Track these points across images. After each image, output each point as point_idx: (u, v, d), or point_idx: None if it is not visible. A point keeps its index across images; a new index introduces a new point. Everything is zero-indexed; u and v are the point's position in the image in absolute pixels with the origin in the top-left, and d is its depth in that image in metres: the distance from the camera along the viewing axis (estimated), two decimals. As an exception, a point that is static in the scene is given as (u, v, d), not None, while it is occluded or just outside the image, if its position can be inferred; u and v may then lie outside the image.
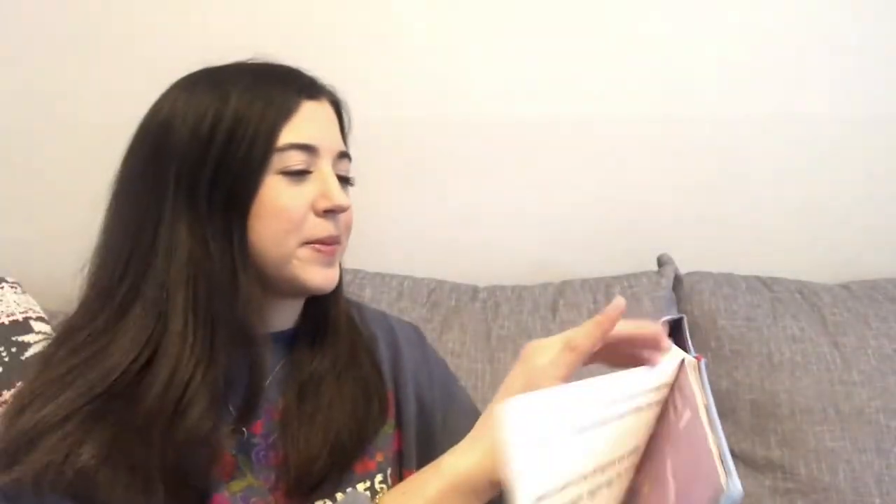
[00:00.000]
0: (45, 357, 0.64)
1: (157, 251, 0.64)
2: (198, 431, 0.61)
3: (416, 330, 0.87)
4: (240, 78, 0.67)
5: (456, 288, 1.27)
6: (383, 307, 1.17)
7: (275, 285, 0.67)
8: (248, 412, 0.67)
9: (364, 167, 1.44)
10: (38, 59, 1.33)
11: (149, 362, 0.62)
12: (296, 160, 0.66)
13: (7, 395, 0.94)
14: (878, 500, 1.05)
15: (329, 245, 0.68)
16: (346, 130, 0.75)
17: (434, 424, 0.80)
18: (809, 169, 1.37)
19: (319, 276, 0.68)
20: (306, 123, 0.67)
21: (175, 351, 0.62)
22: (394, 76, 1.34)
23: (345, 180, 0.71)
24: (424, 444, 0.78)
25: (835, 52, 1.33)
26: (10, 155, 1.35)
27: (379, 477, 0.74)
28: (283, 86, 0.68)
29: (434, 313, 1.22)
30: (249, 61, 0.71)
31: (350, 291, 1.22)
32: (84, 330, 0.64)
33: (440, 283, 1.28)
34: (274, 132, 0.65)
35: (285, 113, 0.66)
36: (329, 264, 0.69)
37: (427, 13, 1.33)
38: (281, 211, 0.65)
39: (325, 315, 0.74)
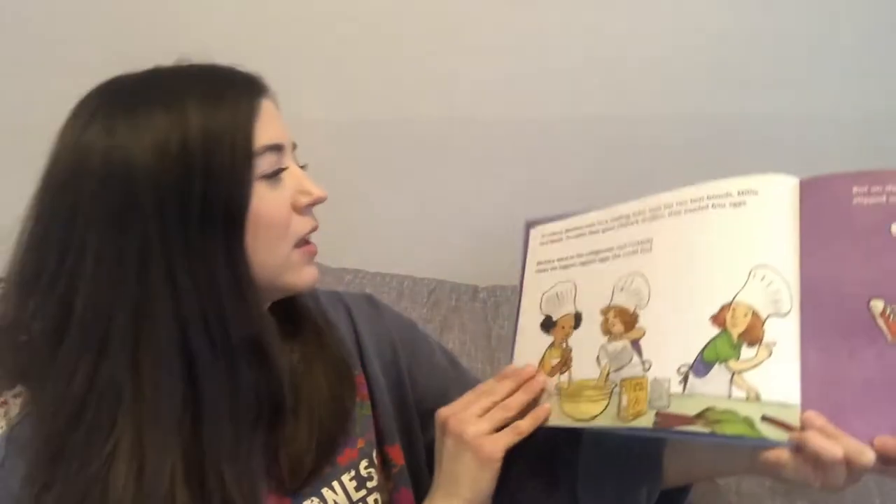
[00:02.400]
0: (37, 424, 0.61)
1: (153, 295, 0.59)
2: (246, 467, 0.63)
3: (368, 300, 0.86)
4: (189, 87, 0.62)
5: (456, 288, 1.27)
6: (383, 307, 1.17)
7: (264, 294, 0.66)
8: (277, 424, 0.68)
9: (365, 166, 1.44)
10: (39, 59, 1.33)
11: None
12: (271, 162, 0.64)
13: (7, 395, 0.94)
14: (877, 500, 1.05)
15: (312, 241, 0.68)
16: None
17: (405, 390, 0.80)
18: (809, 170, 1.36)
19: (310, 276, 0.68)
20: (269, 122, 0.64)
21: (213, 387, 0.61)
22: (395, 76, 1.34)
23: (303, 168, 0.70)
24: (402, 413, 0.79)
25: (835, 51, 1.33)
26: (12, 155, 1.35)
27: (364, 462, 0.75)
28: (240, 87, 0.64)
29: (434, 313, 1.22)
30: (182, 65, 0.66)
31: (350, 291, 1.22)
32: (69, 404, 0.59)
33: (440, 283, 1.28)
34: (249, 138, 0.62)
35: (253, 115, 0.63)
36: (312, 262, 0.69)
37: (427, 13, 1.33)
38: (271, 218, 0.63)
39: (289, 307, 0.73)
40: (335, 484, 0.72)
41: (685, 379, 0.58)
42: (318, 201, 0.67)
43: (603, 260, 0.69)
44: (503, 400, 0.67)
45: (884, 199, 0.59)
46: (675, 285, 0.62)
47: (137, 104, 0.61)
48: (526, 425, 0.66)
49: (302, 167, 0.69)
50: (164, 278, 0.59)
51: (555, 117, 1.34)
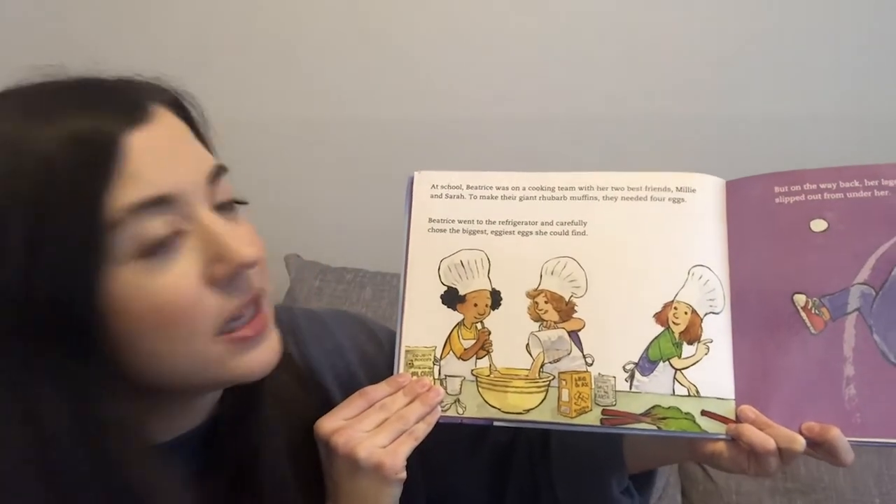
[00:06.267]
0: None
1: None
2: None
3: (356, 322, 0.72)
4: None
5: (456, 287, 1.27)
6: (383, 306, 1.17)
7: (187, 392, 0.51)
8: None
9: (365, 167, 1.44)
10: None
11: None
12: (152, 227, 0.43)
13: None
14: (877, 500, 1.05)
15: (250, 321, 0.49)
16: (204, 130, 0.51)
17: None
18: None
19: (253, 363, 0.49)
20: (145, 163, 0.44)
21: None
22: (396, 76, 1.34)
23: (230, 206, 0.49)
24: None
25: (836, 52, 1.33)
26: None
27: None
28: (88, 118, 0.43)
29: (434, 313, 1.22)
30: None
31: (350, 291, 1.22)
32: None
33: (440, 283, 1.27)
34: (96, 202, 0.42)
35: (106, 163, 0.42)
36: (259, 342, 0.50)
37: (427, 12, 1.33)
38: (157, 313, 0.44)
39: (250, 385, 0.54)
40: None
41: (631, 377, 0.59)
42: (243, 268, 0.46)
43: (524, 234, 0.63)
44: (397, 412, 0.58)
45: (803, 197, 0.64)
46: (615, 278, 0.61)
47: None
48: (422, 429, 0.58)
49: (232, 203, 0.49)
50: None
51: (555, 117, 1.35)
